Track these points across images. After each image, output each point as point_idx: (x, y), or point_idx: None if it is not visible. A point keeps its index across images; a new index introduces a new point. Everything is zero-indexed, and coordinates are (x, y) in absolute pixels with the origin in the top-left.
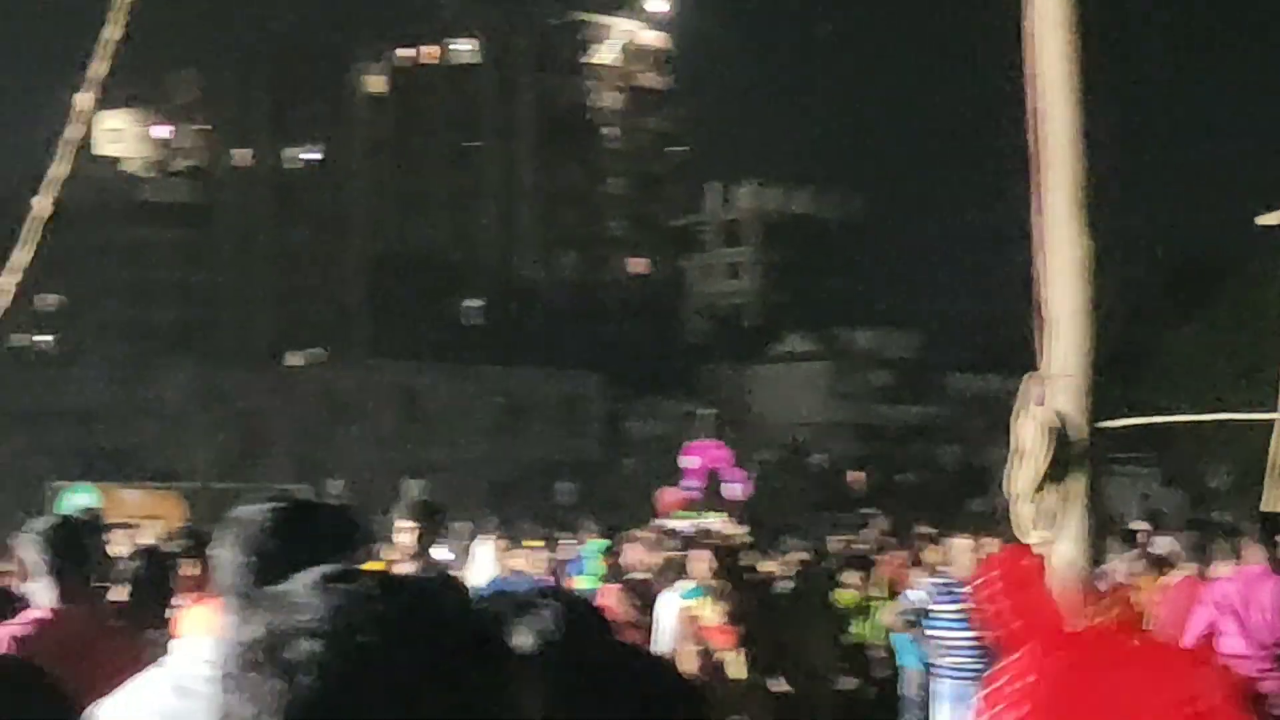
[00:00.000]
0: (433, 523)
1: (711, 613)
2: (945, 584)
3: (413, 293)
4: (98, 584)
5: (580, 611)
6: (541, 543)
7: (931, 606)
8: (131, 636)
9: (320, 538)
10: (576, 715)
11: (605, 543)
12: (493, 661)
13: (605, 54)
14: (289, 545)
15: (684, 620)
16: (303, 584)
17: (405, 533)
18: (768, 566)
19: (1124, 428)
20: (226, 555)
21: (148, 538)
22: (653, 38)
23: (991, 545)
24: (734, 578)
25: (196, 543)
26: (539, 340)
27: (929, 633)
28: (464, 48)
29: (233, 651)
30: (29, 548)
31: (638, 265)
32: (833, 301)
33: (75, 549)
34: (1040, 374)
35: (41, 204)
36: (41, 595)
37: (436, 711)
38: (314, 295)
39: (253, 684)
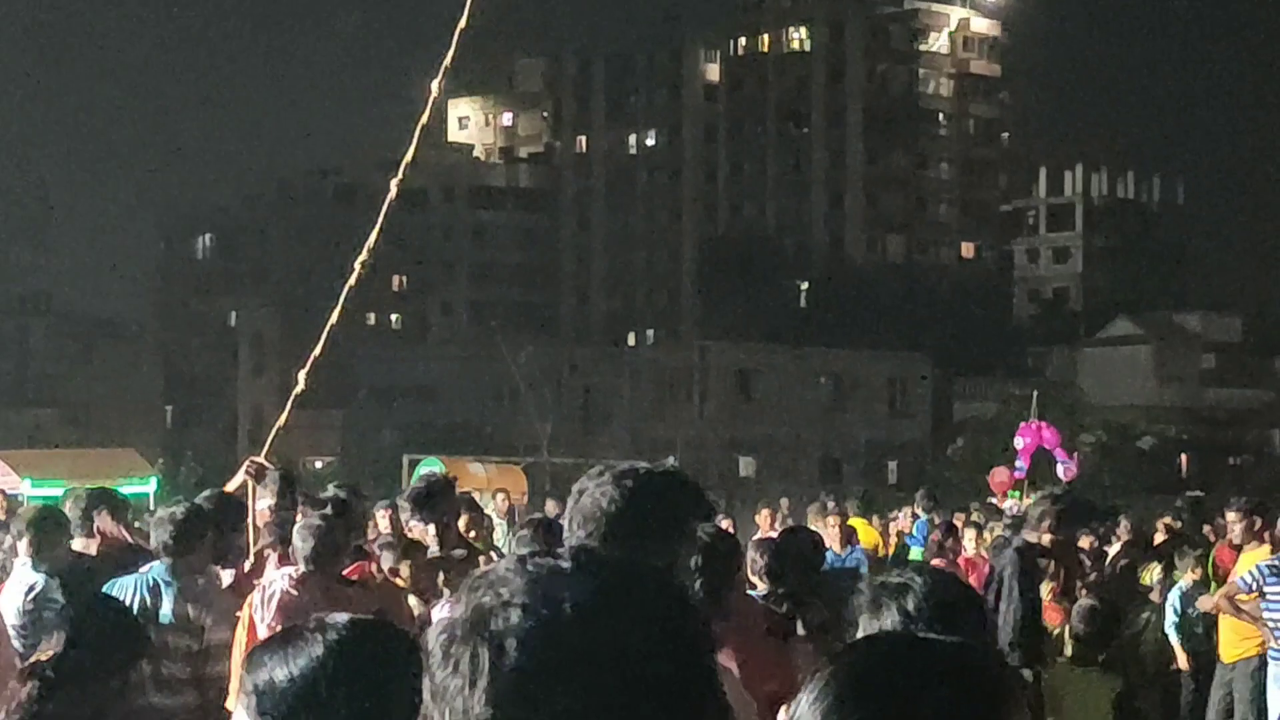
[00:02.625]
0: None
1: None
2: (1275, 566)
3: (744, 275)
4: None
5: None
6: (875, 518)
7: (1262, 588)
8: None
9: (662, 506)
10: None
11: (931, 518)
12: (687, 636)
13: (938, 42)
14: (632, 512)
15: None
16: (504, 564)
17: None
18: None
19: None
20: (568, 524)
21: (492, 510)
22: (985, 26)
23: None
24: (1061, 556)
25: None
26: (867, 322)
27: (1260, 614)
28: (797, 36)
29: (439, 629)
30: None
31: (966, 249)
32: (1158, 285)
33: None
34: None
35: (393, 186)
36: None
37: (636, 681)
38: (650, 277)
39: (460, 657)
